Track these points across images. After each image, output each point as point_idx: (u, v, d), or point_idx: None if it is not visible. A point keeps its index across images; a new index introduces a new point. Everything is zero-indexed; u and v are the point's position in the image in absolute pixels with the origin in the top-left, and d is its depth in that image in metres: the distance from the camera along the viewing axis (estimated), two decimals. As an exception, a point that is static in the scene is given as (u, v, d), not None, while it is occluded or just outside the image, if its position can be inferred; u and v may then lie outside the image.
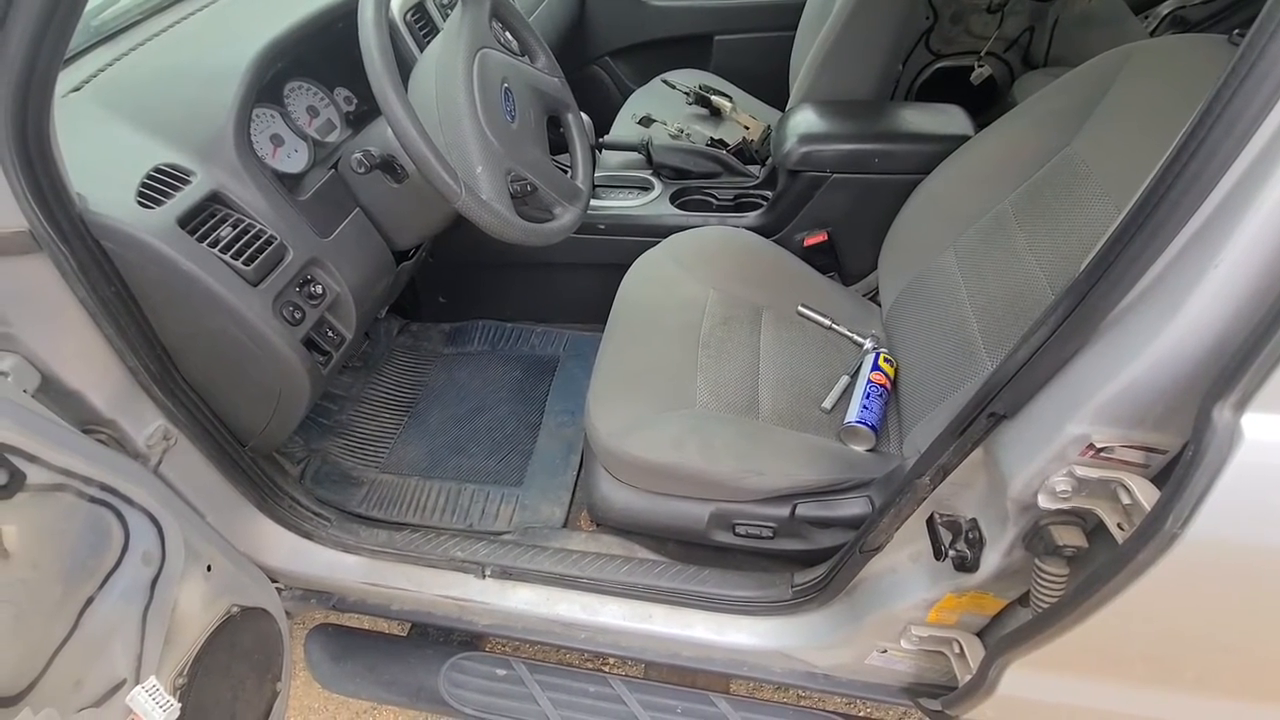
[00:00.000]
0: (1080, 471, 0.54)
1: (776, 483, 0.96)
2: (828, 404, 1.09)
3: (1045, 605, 0.62)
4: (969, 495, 0.71)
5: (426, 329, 1.72)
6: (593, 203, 1.51)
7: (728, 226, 1.36)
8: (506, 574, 1.12)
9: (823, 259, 1.37)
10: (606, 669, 1.26)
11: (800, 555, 1.05)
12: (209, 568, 0.86)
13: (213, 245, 0.78)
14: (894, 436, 1.07)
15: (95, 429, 0.83)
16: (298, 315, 0.85)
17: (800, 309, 1.22)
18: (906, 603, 0.82)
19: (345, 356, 1.01)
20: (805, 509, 0.98)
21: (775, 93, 1.81)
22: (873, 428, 1.02)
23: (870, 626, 0.88)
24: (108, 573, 0.71)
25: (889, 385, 1.09)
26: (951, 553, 0.69)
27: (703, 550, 1.15)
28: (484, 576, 1.13)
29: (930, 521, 0.73)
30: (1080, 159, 0.92)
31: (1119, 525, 0.54)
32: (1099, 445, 0.53)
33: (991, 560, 0.67)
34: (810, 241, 1.36)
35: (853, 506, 0.97)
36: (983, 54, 1.84)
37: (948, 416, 0.88)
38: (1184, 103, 0.75)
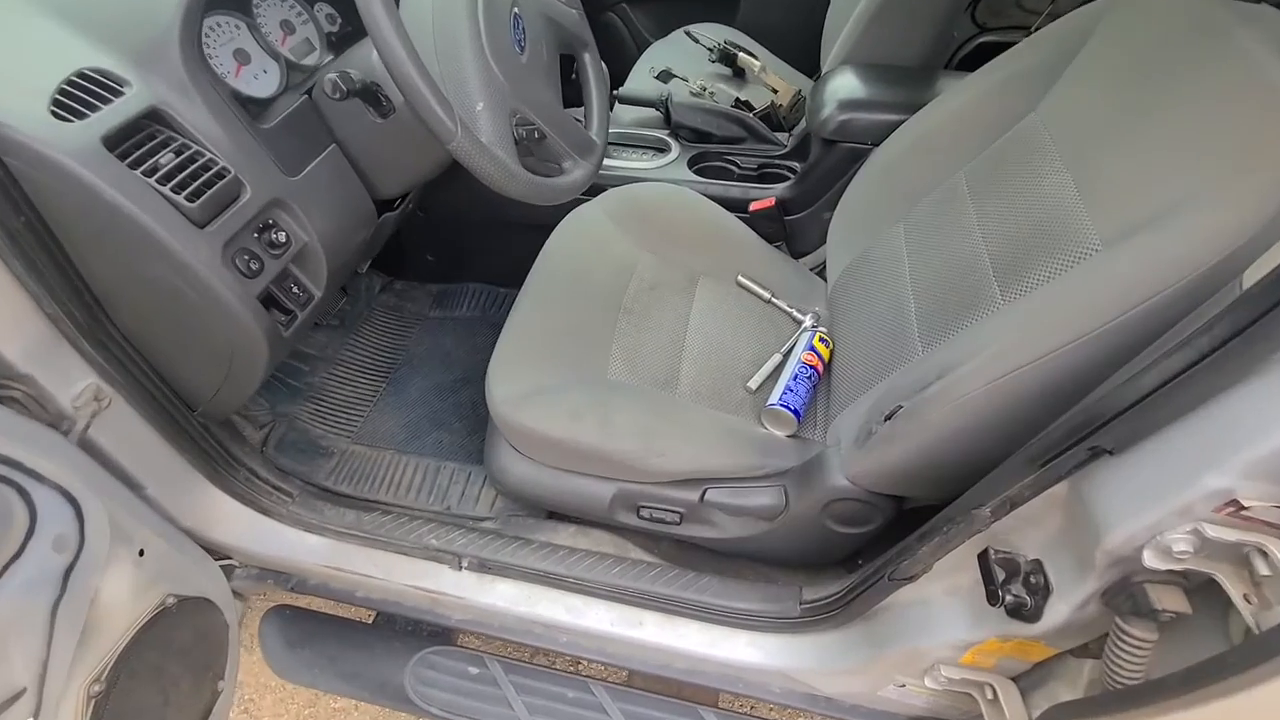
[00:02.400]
0: (1211, 531, 0.44)
1: (679, 465, 0.89)
2: (753, 383, 1.02)
3: (1123, 673, 0.53)
4: (1034, 534, 0.61)
5: (412, 289, 1.59)
6: (604, 161, 1.38)
7: (671, 184, 1.25)
8: (485, 567, 1.01)
9: (770, 227, 1.26)
10: (587, 673, 1.17)
11: (710, 544, 1.00)
12: (141, 552, 0.74)
13: (149, 174, 0.65)
14: (820, 423, 0.99)
15: (6, 385, 0.70)
16: (254, 266, 0.72)
17: (740, 279, 1.14)
18: (938, 641, 0.72)
19: (314, 316, 0.88)
20: (715, 495, 0.91)
21: (804, 56, 1.66)
22: (795, 412, 0.94)
23: (890, 659, 0.79)
24: (4, 563, 0.59)
25: (821, 368, 1.01)
26: (1009, 597, 0.59)
27: (700, 554, 1.05)
28: (460, 568, 1.02)
29: (984, 558, 0.63)
30: (1041, 128, 0.83)
31: (1246, 598, 0.44)
32: (1244, 503, 0.43)
33: (1058, 612, 0.57)
34: (757, 206, 1.25)
35: (764, 496, 0.90)
36: (1034, 30, 1.70)
37: (870, 406, 0.81)
38: (1158, 67, 0.69)
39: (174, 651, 0.75)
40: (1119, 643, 0.53)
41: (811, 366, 1.01)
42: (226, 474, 0.98)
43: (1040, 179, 0.79)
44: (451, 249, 1.52)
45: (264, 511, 1.04)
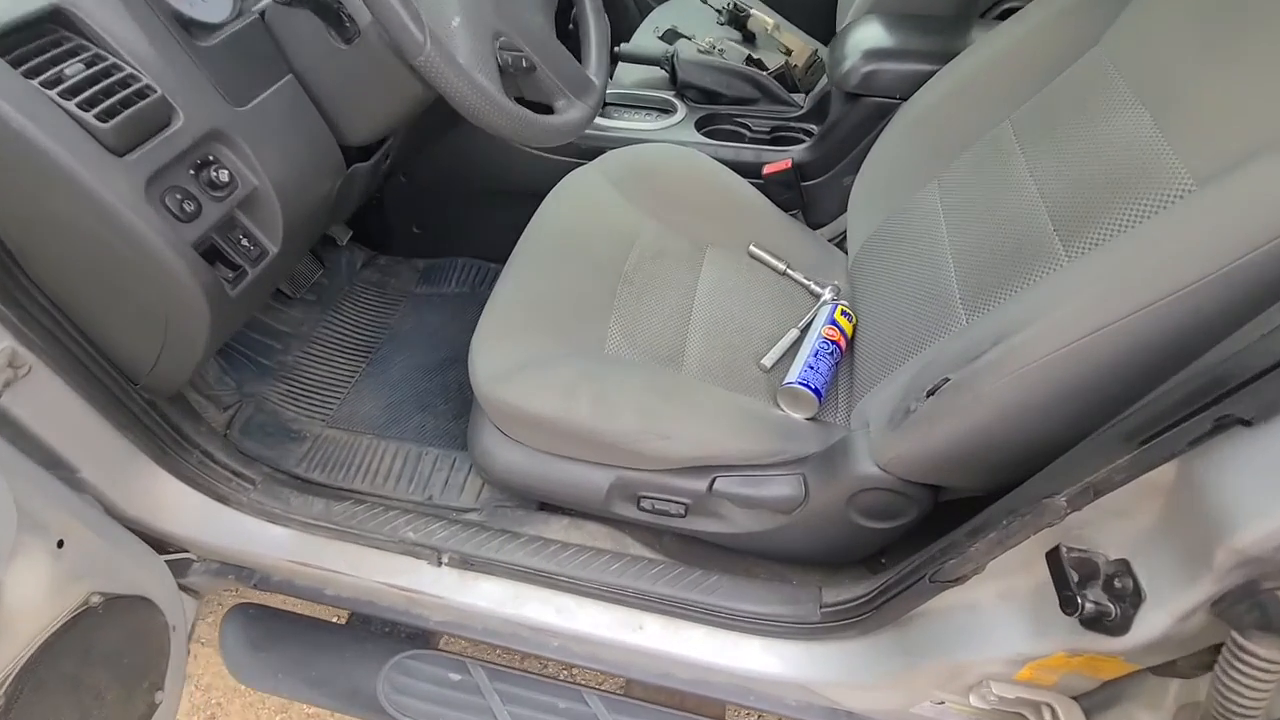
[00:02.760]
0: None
1: (686, 450, 0.79)
2: (768, 361, 0.91)
3: (1241, 703, 0.42)
4: (1120, 528, 0.50)
5: (397, 264, 1.48)
6: (602, 122, 1.27)
7: (677, 145, 1.14)
8: (467, 563, 0.91)
9: (785, 194, 1.15)
10: (581, 681, 1.06)
11: (719, 539, 0.89)
12: (60, 543, 0.64)
13: (49, 85, 0.54)
14: (841, 405, 0.89)
15: (-108, 345, 0.60)
16: (189, 208, 0.61)
17: (752, 249, 1.04)
18: (989, 654, 0.62)
19: (271, 278, 0.78)
20: (725, 484, 0.82)
21: (817, 22, 1.55)
22: (816, 392, 0.84)
23: (929, 672, 0.68)
24: None
25: (844, 344, 0.91)
26: (1088, 605, 0.49)
27: (707, 550, 0.94)
28: (440, 564, 0.92)
29: (1054, 557, 0.52)
30: (1106, 63, 0.72)
31: None
32: None
33: (1154, 624, 0.47)
34: (771, 169, 1.14)
35: (781, 486, 0.80)
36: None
37: (905, 382, 0.71)
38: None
39: (97, 659, 0.65)
40: (1237, 664, 0.42)
41: (833, 342, 0.90)
42: (177, 457, 0.88)
43: (1108, 118, 0.68)
44: (438, 220, 1.41)
45: (221, 499, 0.93)
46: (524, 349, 0.86)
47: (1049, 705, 0.62)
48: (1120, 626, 0.48)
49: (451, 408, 1.20)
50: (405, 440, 1.15)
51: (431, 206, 1.39)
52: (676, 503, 0.85)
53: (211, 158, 0.63)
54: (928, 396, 0.64)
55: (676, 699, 0.96)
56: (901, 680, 0.72)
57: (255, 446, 1.10)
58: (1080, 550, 0.52)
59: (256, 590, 1.01)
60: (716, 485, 0.82)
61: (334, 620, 1.12)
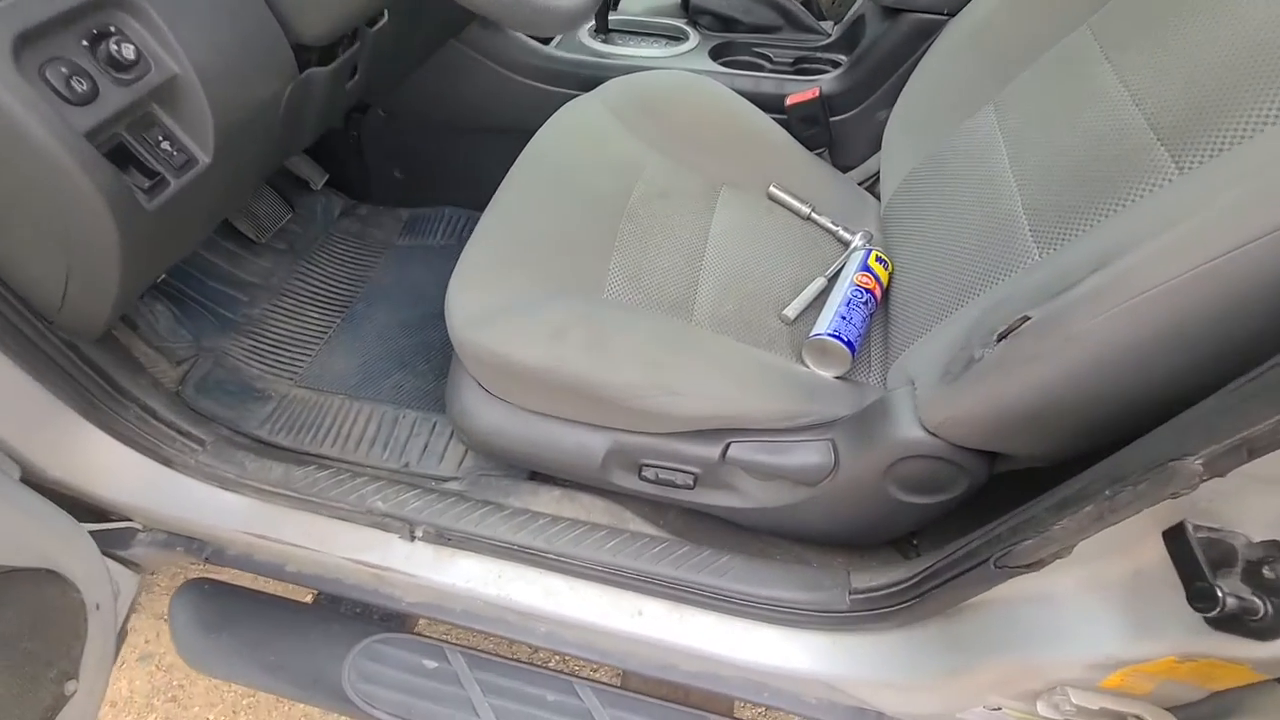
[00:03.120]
0: None
1: (696, 409, 0.68)
2: (791, 312, 0.80)
3: None
4: (1268, 503, 0.39)
5: (379, 214, 1.35)
6: (604, 49, 1.13)
7: (692, 73, 1.01)
8: (444, 538, 0.80)
9: (811, 130, 1.02)
10: (574, 670, 0.95)
11: (731, 515, 0.78)
12: (-63, 505, 0.52)
13: None
14: (875, 363, 0.78)
15: None
16: (80, 87, 0.48)
17: (772, 190, 0.92)
18: (1070, 656, 0.50)
19: (209, 201, 0.65)
20: (741, 451, 0.70)
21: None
22: (849, 344, 0.73)
23: (985, 674, 0.57)
24: None
25: (879, 293, 0.80)
26: (1230, 599, 0.37)
27: (717, 527, 0.83)
28: (413, 539, 0.81)
29: (1177, 537, 0.41)
30: None
31: None
32: None
33: (1324, 627, 0.35)
34: (796, 99, 1.01)
35: (807, 453, 0.68)
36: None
37: (961, 331, 0.60)
38: None
39: (-15, 644, 0.54)
40: None
41: (867, 290, 0.78)
42: (109, 411, 0.76)
43: (1224, 8, 0.55)
44: (422, 164, 1.28)
45: (165, 462, 0.82)
46: (510, 290, 0.74)
47: (1138, 718, 0.51)
48: (1271, 629, 0.37)
49: (433, 367, 1.08)
50: (380, 402, 1.04)
51: (414, 147, 1.26)
52: (684, 472, 0.73)
53: (112, 28, 0.50)
54: (999, 341, 0.52)
55: (679, 693, 0.86)
56: (949, 681, 0.61)
57: (212, 405, 0.99)
58: (1211, 529, 0.40)
59: (209, 565, 0.90)
60: (731, 452, 0.71)
61: (301, 600, 1.01)
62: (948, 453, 0.60)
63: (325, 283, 1.21)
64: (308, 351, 1.11)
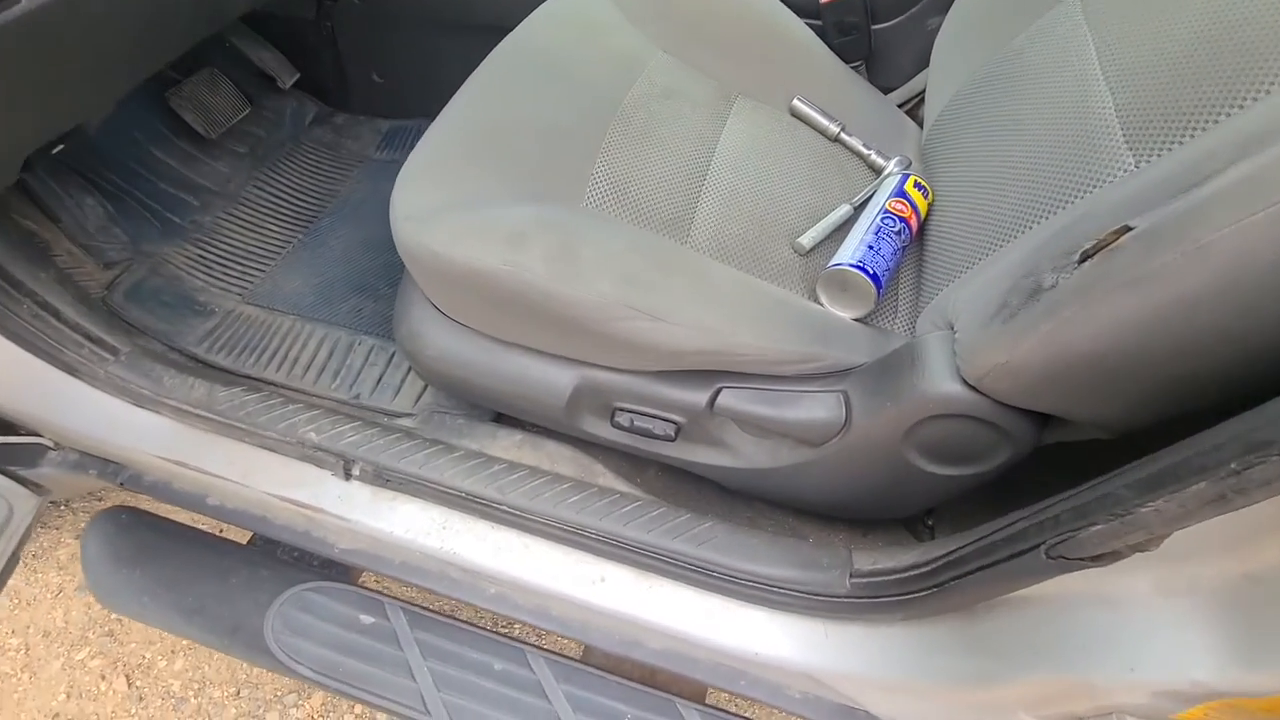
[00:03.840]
0: None
1: (682, 339, 0.55)
2: (806, 240, 0.67)
3: None
4: None
5: (356, 124, 1.21)
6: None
7: None
8: (382, 478, 0.69)
9: (848, 38, 0.87)
10: (528, 638, 0.85)
11: (716, 474, 0.66)
12: None
13: None
14: (903, 310, 0.65)
15: None
16: None
17: (796, 104, 0.78)
18: (1137, 676, 0.39)
19: (75, 32, 0.52)
20: (734, 399, 0.59)
21: None
22: (874, 279, 0.60)
23: (1018, 687, 0.46)
24: None
25: (915, 225, 0.66)
26: None
27: (699, 487, 0.72)
28: (347, 477, 0.70)
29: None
30: None
31: None
32: None
33: None
34: None
35: (812, 406, 0.56)
36: None
37: (1021, 260, 0.47)
38: None
39: None
40: None
41: (901, 219, 0.65)
42: (-4, 304, 0.65)
43: None
44: (403, 66, 1.14)
45: (69, 369, 0.71)
46: (466, 187, 0.61)
47: (1217, 762, 0.40)
48: None
49: (396, 292, 0.96)
50: (335, 325, 0.92)
51: (394, 47, 1.11)
52: (664, 420, 0.62)
53: None
54: (1082, 261, 0.39)
55: (645, 672, 0.75)
56: (965, 689, 0.50)
57: (143, 315, 0.87)
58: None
59: (125, 490, 0.80)
60: (721, 399, 0.59)
61: (238, 541, 0.91)
62: (989, 412, 0.48)
63: (288, 194, 1.09)
64: (261, 267, 0.99)
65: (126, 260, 0.91)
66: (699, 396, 0.59)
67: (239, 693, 1.02)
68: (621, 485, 0.69)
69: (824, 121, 0.78)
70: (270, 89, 1.14)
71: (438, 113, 1.23)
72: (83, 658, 1.06)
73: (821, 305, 0.62)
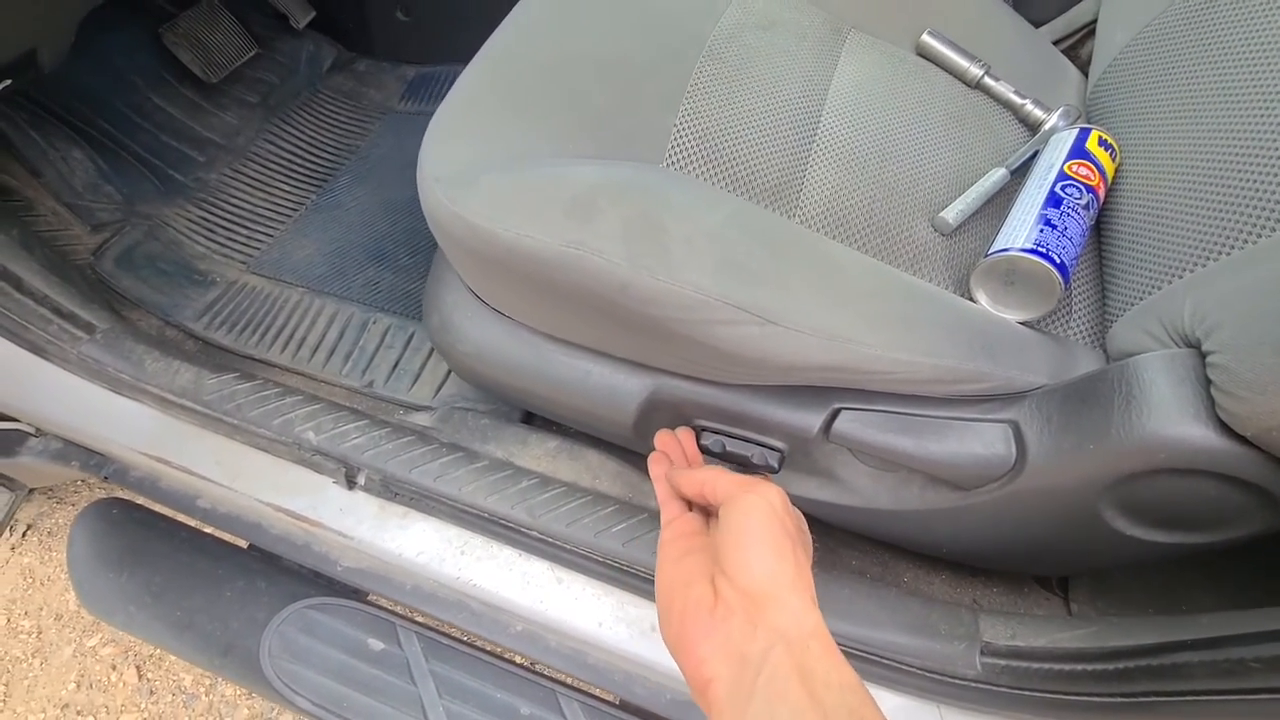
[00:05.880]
0: None
1: (797, 349, 0.40)
2: (951, 215, 0.50)
3: None
4: None
5: (379, 72, 1.08)
6: None
7: None
8: (391, 490, 0.57)
9: None
10: (559, 676, 0.74)
11: (819, 511, 0.51)
12: None
13: None
14: (1080, 307, 0.48)
15: None
16: None
17: (926, 40, 0.62)
18: None
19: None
20: (855, 423, 0.44)
21: None
22: (1061, 268, 0.43)
23: None
24: None
25: (1102, 193, 0.49)
26: None
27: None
28: (352, 486, 0.59)
29: None
30: None
31: None
32: None
33: None
34: None
35: (971, 440, 0.42)
36: None
37: None
38: None
39: None
40: None
41: (1088, 187, 0.48)
42: (-59, 271, 0.55)
43: None
44: (432, 5, 1.00)
45: (34, 349, 0.61)
46: (513, 141, 0.47)
47: None
48: None
49: (419, 262, 0.84)
50: (348, 300, 0.80)
51: (421, -22, 0.97)
52: (765, 447, 0.47)
53: None
54: None
55: None
56: None
57: (136, 285, 0.77)
58: None
59: (116, 485, 0.70)
60: (840, 424, 0.44)
61: (235, 543, 0.82)
62: (1257, 472, 0.32)
63: (302, 149, 0.97)
64: (270, 231, 0.88)
65: (118, 222, 0.80)
66: (810, 419, 0.45)
67: (252, 692, 0.95)
68: (678, 510, 0.56)
69: (962, 62, 0.60)
70: (284, 30, 1.02)
71: (468, 56, 1.09)
72: (94, 645, 1.00)
73: (977, 302, 0.47)
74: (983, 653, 0.44)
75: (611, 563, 0.52)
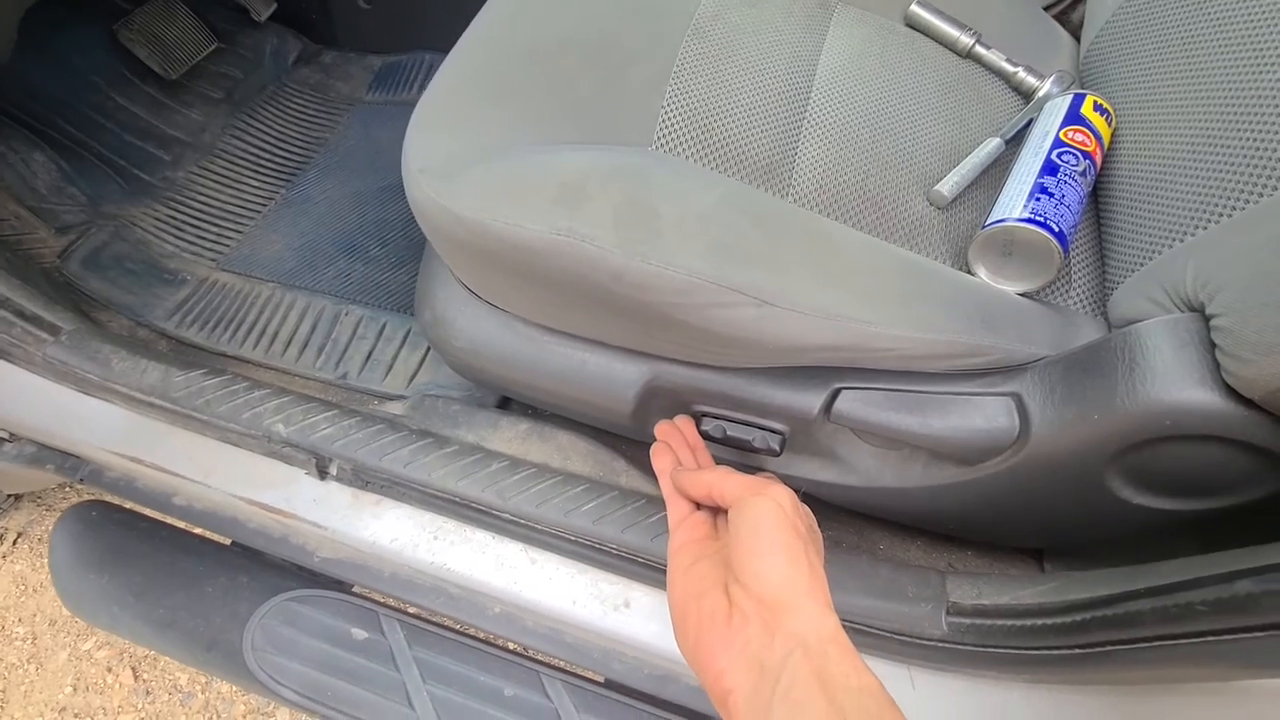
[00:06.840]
0: None
1: (803, 332, 0.40)
2: (946, 187, 0.50)
3: None
4: None
5: (345, 63, 1.07)
6: None
7: None
8: (362, 478, 0.57)
9: None
10: (544, 657, 0.75)
11: (818, 490, 0.52)
12: None
13: None
14: (1079, 275, 0.48)
15: None
16: None
17: (913, 9, 0.61)
18: None
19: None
20: (856, 402, 0.44)
21: None
22: (1060, 237, 0.43)
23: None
24: None
25: (1099, 159, 0.48)
26: None
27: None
28: (323, 476, 0.59)
29: None
30: None
31: None
32: None
33: None
34: None
35: (973, 415, 0.42)
36: None
37: None
38: None
39: None
40: None
41: (1084, 153, 0.47)
42: (-104, 277, 0.54)
43: None
44: (395, -10, 0.99)
45: (0, 354, 0.60)
46: (499, 127, 0.47)
47: None
48: None
49: (389, 253, 0.84)
50: (319, 293, 0.80)
51: (381, -37, 0.96)
52: (766, 430, 0.47)
53: None
54: None
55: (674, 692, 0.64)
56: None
57: (106, 287, 0.77)
58: None
59: (90, 487, 0.70)
60: (840, 404, 0.44)
61: (217, 540, 0.82)
62: (1264, 435, 0.32)
63: (270, 144, 0.96)
64: (239, 227, 0.87)
65: (84, 224, 0.80)
66: (811, 400, 0.45)
67: (237, 686, 0.96)
68: (648, 487, 0.56)
69: (952, 32, 0.59)
70: (246, 23, 1.01)
71: (435, 44, 1.07)
72: (89, 648, 1.01)
73: (975, 275, 0.46)
74: (948, 612, 0.44)
75: (582, 541, 0.52)
